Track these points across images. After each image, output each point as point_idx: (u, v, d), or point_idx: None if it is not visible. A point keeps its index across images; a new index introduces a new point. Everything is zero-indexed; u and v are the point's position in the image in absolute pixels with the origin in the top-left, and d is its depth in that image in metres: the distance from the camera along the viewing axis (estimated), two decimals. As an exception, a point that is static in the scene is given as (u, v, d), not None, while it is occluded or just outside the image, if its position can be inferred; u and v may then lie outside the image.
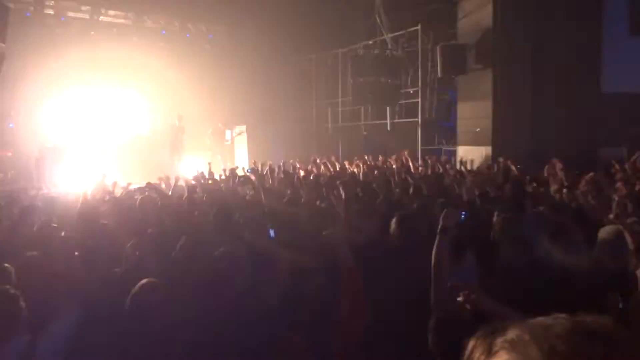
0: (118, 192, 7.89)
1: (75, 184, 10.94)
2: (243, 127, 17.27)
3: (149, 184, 7.21)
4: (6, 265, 3.84)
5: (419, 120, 15.53)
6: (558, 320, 0.70)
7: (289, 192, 6.98)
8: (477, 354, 0.72)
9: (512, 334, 0.70)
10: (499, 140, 13.13)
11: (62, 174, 13.28)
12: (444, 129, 15.04)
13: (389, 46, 15.88)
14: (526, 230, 4.41)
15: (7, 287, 3.08)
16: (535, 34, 12.90)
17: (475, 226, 4.73)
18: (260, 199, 6.45)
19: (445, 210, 3.40)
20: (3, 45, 9.25)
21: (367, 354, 3.46)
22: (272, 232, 3.62)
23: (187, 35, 17.56)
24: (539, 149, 12.11)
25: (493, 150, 13.06)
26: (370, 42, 16.03)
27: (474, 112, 13.71)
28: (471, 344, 0.75)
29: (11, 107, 14.17)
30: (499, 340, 0.70)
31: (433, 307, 2.92)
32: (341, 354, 3.06)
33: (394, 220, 4.02)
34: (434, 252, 3.13)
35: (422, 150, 15.04)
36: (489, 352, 0.70)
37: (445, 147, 14.79)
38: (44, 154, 13.72)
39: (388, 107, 15.73)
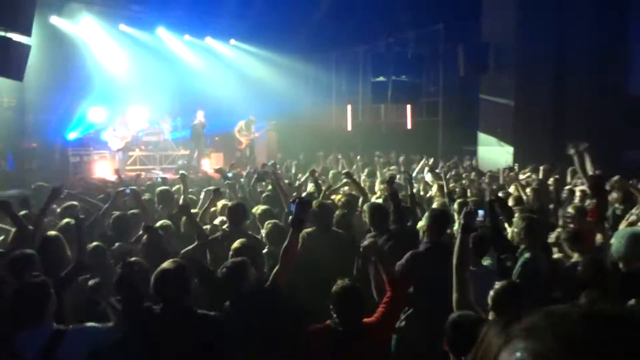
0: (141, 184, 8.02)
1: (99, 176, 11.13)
2: (263, 124, 17.28)
3: (182, 174, 7.34)
4: (32, 251, 3.92)
5: (440, 120, 15.40)
6: (577, 308, 0.68)
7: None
8: (491, 342, 0.71)
9: (528, 321, 0.68)
10: (521, 140, 12.97)
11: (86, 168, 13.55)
12: (464, 128, 14.88)
13: (411, 44, 15.76)
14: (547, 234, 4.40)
15: (37, 273, 3.14)
16: (559, 33, 12.71)
17: (495, 227, 4.68)
18: (277, 195, 6.50)
19: (465, 208, 3.39)
20: (29, 38, 9.39)
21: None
22: (292, 206, 3.62)
23: (210, 30, 17.65)
24: (561, 150, 11.93)
25: (515, 151, 12.91)
26: (392, 40, 15.91)
27: (496, 112, 13.55)
28: (484, 330, 0.74)
29: (36, 99, 14.46)
30: (515, 328, 0.69)
31: (456, 306, 2.91)
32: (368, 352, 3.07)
33: (427, 215, 4.05)
34: (456, 251, 3.13)
35: (442, 150, 14.93)
36: (505, 340, 0.69)
37: (465, 147, 14.65)
38: (68, 147, 14.04)
39: (408, 106, 15.61)
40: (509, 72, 13.03)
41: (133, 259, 3.74)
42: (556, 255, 4.24)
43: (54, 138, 14.57)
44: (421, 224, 4.72)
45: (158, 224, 5.04)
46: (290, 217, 3.58)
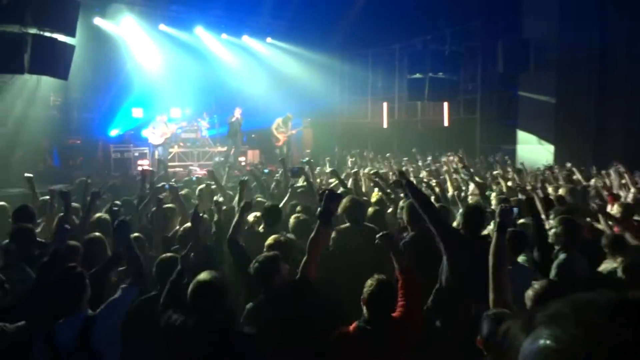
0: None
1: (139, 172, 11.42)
2: (299, 121, 17.40)
3: (209, 171, 7.59)
4: (76, 243, 4.15)
5: (478, 117, 15.14)
6: (603, 294, 0.67)
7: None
8: (515, 331, 0.70)
9: (552, 308, 0.68)
10: (562, 139, 12.62)
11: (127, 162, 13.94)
12: (504, 126, 14.57)
13: (448, 41, 15.53)
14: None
15: (74, 265, 3.27)
16: (603, 28, 12.30)
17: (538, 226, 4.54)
18: (311, 190, 6.58)
19: (500, 206, 3.32)
20: (73, 38, 9.73)
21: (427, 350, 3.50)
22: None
23: (247, 28, 17.86)
24: (603, 149, 11.58)
25: (556, 150, 12.58)
26: (429, 37, 15.73)
27: (536, 109, 13.23)
28: (506, 324, 0.73)
29: (80, 98, 14.97)
30: (539, 314, 0.69)
31: (492, 306, 2.86)
32: (399, 348, 3.08)
33: (460, 213, 4.00)
34: (492, 250, 3.04)
35: (480, 148, 14.67)
36: (529, 327, 0.69)
37: (504, 146, 14.33)
38: (110, 143, 14.46)
39: (445, 103, 15.42)
40: (551, 69, 12.69)
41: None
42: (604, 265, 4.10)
43: (97, 135, 15.03)
44: (455, 223, 4.64)
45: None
46: (318, 210, 3.56)
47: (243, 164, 15.52)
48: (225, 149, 15.84)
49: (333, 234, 4.49)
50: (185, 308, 2.95)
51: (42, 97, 13.35)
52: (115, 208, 4.59)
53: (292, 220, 4.93)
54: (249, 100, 16.63)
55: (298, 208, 5.61)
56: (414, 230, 4.64)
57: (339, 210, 4.75)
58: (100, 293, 3.46)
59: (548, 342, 0.65)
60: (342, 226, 4.71)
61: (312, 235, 3.50)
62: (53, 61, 9.38)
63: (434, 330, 3.77)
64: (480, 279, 3.03)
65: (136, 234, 4.59)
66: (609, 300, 0.66)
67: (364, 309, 3.05)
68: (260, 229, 5.10)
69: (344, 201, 4.76)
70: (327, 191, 3.68)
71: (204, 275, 2.96)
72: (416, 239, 4.49)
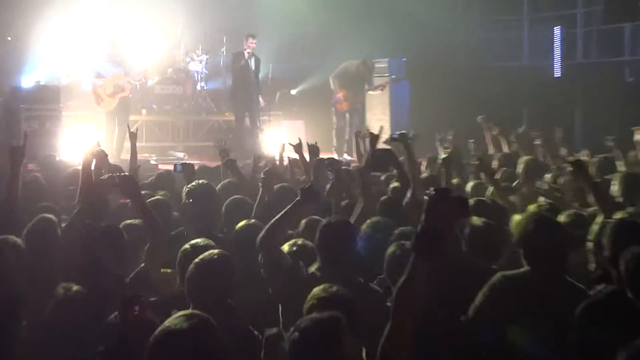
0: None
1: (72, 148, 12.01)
2: (387, 68, 17.59)
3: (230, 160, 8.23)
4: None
5: None
6: None
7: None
8: None
9: None
10: None
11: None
12: None
13: None
14: None
15: None
16: None
17: None
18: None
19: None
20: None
21: None
22: None
23: None
24: None
25: None
26: None
27: None
28: None
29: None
30: None
31: None
32: None
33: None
34: None
35: None
36: None
37: None
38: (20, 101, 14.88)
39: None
40: None
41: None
42: None
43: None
44: None
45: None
46: (416, 233, 3.42)
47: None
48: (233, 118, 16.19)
49: (485, 289, 4.69)
50: None
51: None
52: None
53: (389, 253, 5.18)
54: (285, 27, 17.14)
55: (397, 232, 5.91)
56: (620, 282, 4.64)
57: (515, 236, 5.08)
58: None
59: None
60: (511, 272, 4.86)
61: (402, 280, 3.39)
62: None
63: None
64: None
65: None
66: None
67: None
68: (314, 269, 5.42)
69: (524, 223, 4.99)
70: (434, 191, 3.53)
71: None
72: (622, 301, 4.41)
